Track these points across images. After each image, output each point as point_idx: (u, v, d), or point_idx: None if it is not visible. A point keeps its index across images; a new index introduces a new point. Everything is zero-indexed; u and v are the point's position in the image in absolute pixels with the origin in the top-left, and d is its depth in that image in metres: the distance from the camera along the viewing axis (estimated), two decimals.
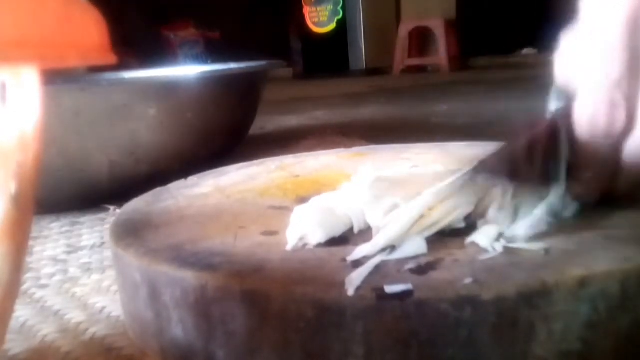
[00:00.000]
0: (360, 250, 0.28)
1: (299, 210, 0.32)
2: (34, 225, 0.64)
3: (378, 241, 0.28)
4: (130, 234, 0.34)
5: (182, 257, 0.30)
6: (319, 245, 0.30)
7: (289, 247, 0.30)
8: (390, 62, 3.35)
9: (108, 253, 0.52)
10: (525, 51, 3.47)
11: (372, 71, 3.41)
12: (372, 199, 0.31)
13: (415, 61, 3.35)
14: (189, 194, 0.43)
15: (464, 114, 1.36)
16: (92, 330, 0.38)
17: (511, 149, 0.32)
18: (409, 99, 1.87)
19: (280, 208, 0.38)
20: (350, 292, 0.24)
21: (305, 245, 0.30)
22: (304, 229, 0.30)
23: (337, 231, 0.31)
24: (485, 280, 0.24)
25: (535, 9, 3.28)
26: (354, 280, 0.25)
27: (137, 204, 0.41)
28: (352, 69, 3.51)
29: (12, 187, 0.19)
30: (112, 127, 0.68)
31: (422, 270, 0.26)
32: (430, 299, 0.24)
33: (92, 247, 0.57)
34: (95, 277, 0.48)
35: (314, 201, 0.34)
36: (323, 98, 2.06)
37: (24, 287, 0.47)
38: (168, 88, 0.74)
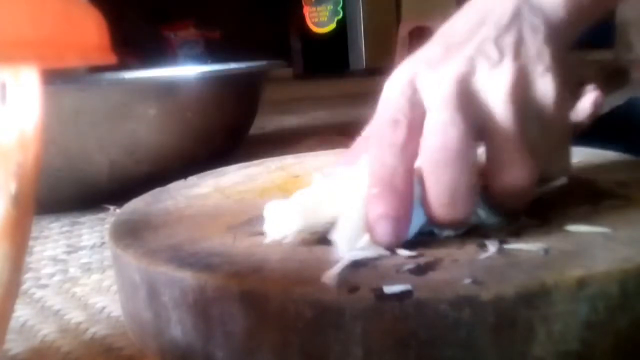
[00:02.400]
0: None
1: (270, 205, 0.32)
2: (34, 225, 0.64)
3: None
4: (130, 234, 0.34)
5: (181, 257, 0.30)
6: (302, 234, 0.30)
7: (268, 240, 0.30)
8: (390, 62, 3.35)
9: (108, 253, 0.52)
10: None
11: (372, 71, 3.40)
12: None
13: None
14: (189, 194, 0.43)
15: None
16: (92, 330, 0.38)
17: None
18: None
19: None
20: (332, 284, 0.25)
21: (285, 236, 0.30)
22: (281, 218, 0.30)
23: (318, 218, 0.31)
24: (484, 280, 0.24)
25: None
26: (331, 276, 0.25)
27: (137, 204, 0.42)
28: (352, 69, 3.51)
29: (12, 187, 0.19)
30: (112, 127, 0.68)
31: (421, 270, 0.26)
32: (429, 299, 0.24)
33: (92, 247, 0.57)
34: (95, 277, 0.48)
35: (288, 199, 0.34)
36: (323, 98, 2.06)
37: (24, 287, 0.47)
38: (168, 88, 0.74)
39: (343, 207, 0.30)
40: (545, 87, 0.29)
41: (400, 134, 0.29)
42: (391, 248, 0.28)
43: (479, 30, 0.30)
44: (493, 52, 0.29)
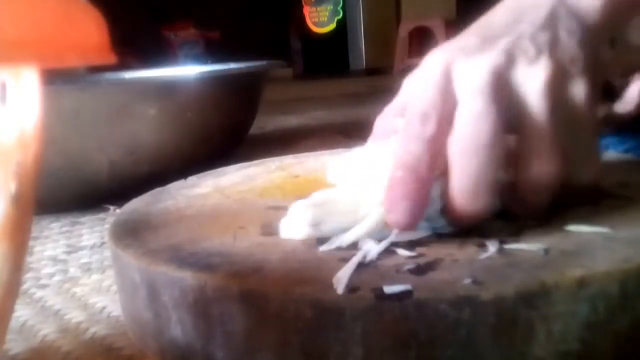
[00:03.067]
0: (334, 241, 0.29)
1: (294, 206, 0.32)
2: (34, 225, 0.64)
3: (350, 235, 0.29)
4: (130, 234, 0.34)
5: (181, 257, 0.30)
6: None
7: (299, 236, 0.30)
8: (390, 62, 3.35)
9: (108, 253, 0.52)
10: None
11: (372, 71, 3.41)
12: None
13: (415, 61, 3.33)
14: (189, 194, 0.43)
15: None
16: (92, 330, 0.38)
17: None
18: None
19: (280, 208, 0.38)
20: (340, 290, 0.24)
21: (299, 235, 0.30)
22: (296, 218, 0.31)
23: (331, 220, 0.31)
24: (484, 280, 0.24)
25: None
26: (342, 278, 0.25)
27: (137, 204, 0.42)
28: (352, 69, 3.51)
29: (12, 187, 0.19)
30: (112, 127, 0.68)
31: (421, 270, 0.26)
32: (429, 299, 0.24)
33: (92, 247, 0.57)
34: (95, 277, 0.48)
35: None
36: (323, 98, 2.06)
37: (24, 287, 0.47)
38: (168, 88, 0.74)
39: (358, 211, 0.30)
40: (578, 89, 0.29)
41: (430, 127, 0.29)
42: (405, 229, 0.29)
43: (515, 26, 0.31)
44: (530, 48, 0.30)
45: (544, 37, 0.30)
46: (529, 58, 0.29)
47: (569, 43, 0.30)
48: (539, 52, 0.30)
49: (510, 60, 0.29)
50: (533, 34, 0.30)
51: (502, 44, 0.30)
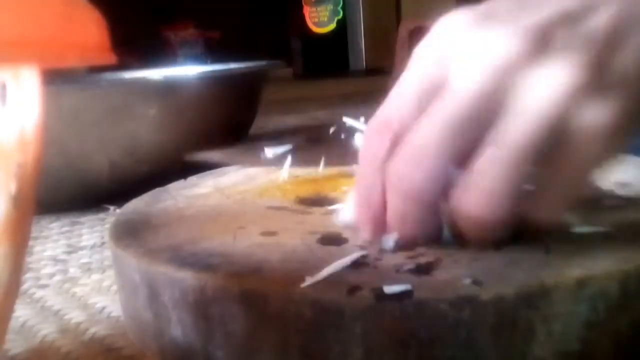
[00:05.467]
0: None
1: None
2: (34, 225, 0.63)
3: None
4: (130, 234, 0.34)
5: (181, 258, 0.30)
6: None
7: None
8: (390, 62, 3.34)
9: (108, 253, 0.52)
10: None
11: (372, 71, 3.40)
12: None
13: None
14: (188, 195, 0.43)
15: None
16: (92, 330, 0.38)
17: None
18: None
19: (280, 208, 0.38)
20: (305, 284, 0.25)
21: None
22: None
23: None
24: (484, 280, 0.24)
25: None
26: (316, 277, 0.25)
27: (137, 204, 0.41)
28: (352, 69, 3.51)
29: (12, 187, 0.19)
30: (112, 127, 0.68)
31: (421, 270, 0.26)
32: (429, 299, 0.24)
33: (92, 247, 0.57)
34: (95, 277, 0.48)
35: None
36: (323, 98, 2.06)
37: (24, 287, 0.47)
38: (168, 88, 0.74)
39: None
40: (595, 115, 0.22)
41: (384, 143, 0.25)
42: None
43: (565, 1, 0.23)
44: (570, 36, 0.22)
45: (598, 26, 0.22)
46: (561, 49, 0.22)
47: (627, 54, 0.22)
48: (579, 46, 0.22)
49: (533, 46, 0.22)
50: (586, 18, 0.22)
51: (536, 20, 0.22)
